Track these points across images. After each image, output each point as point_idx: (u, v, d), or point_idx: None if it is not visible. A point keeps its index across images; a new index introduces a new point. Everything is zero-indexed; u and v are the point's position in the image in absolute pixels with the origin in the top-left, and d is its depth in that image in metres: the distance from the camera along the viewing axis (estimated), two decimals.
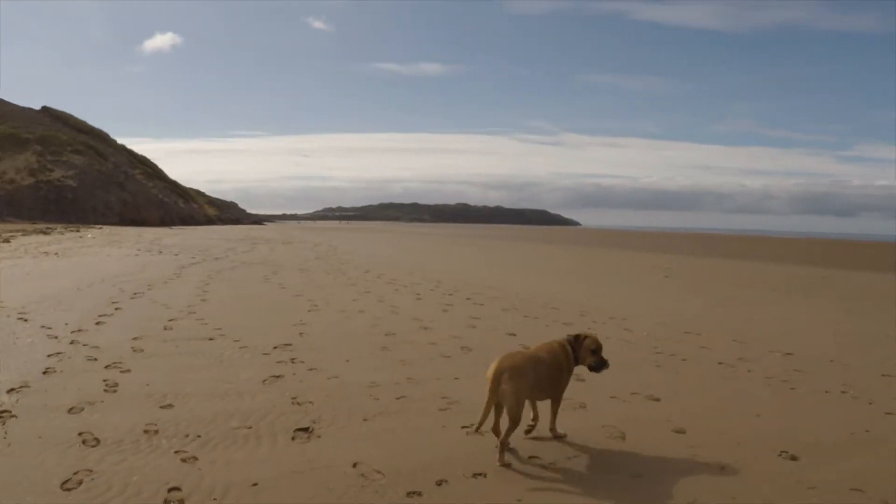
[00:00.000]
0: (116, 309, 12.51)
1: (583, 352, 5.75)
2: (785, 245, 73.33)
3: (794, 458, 5.73)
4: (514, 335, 11.11)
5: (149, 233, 53.21)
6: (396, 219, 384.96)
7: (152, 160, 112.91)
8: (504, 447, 5.22)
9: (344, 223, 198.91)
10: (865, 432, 6.51)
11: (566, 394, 6.02)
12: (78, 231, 51.08)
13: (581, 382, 7.67)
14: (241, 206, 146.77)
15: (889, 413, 7.17)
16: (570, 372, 5.79)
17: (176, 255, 27.59)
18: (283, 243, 41.88)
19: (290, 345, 9.74)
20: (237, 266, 22.94)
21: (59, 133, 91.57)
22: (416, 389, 7.57)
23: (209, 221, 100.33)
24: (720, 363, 9.57)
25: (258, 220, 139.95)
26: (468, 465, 5.29)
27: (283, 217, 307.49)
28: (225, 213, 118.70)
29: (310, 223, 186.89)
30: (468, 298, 15.65)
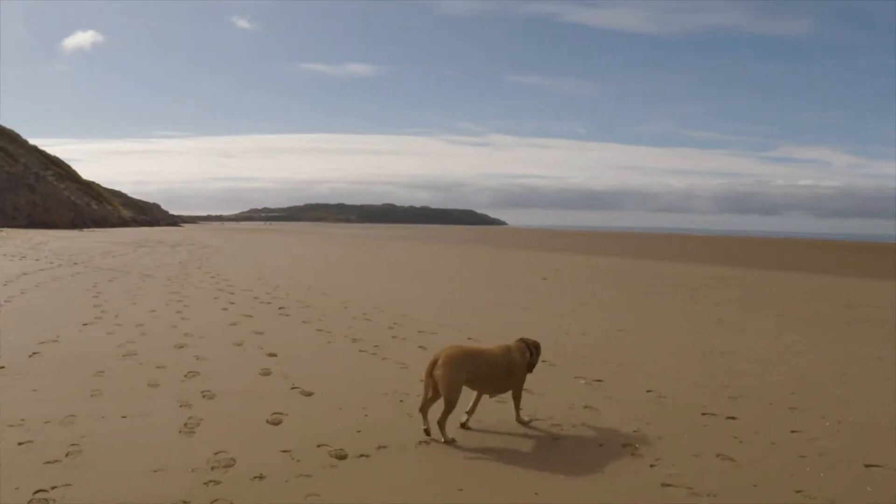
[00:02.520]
0: None
1: (536, 357, 6.56)
2: (701, 243, 74.08)
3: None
4: (275, 355, 9.51)
5: (43, 235, 49.69)
6: (323, 220, 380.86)
7: (75, 161, 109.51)
8: (442, 427, 5.87)
9: (267, 224, 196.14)
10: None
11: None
12: None
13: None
14: (166, 207, 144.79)
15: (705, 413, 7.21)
16: (523, 371, 6.44)
17: (36, 259, 25.53)
18: (172, 246, 40.41)
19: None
20: (80, 273, 20.86)
21: None
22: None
23: (124, 223, 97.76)
24: None
25: (175, 221, 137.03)
26: None
27: (208, 218, 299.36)
28: (141, 214, 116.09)
29: (232, 224, 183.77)
30: (281, 308, 14.19)
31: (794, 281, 25.26)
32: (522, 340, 6.55)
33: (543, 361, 8.14)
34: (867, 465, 5.73)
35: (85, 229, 74.52)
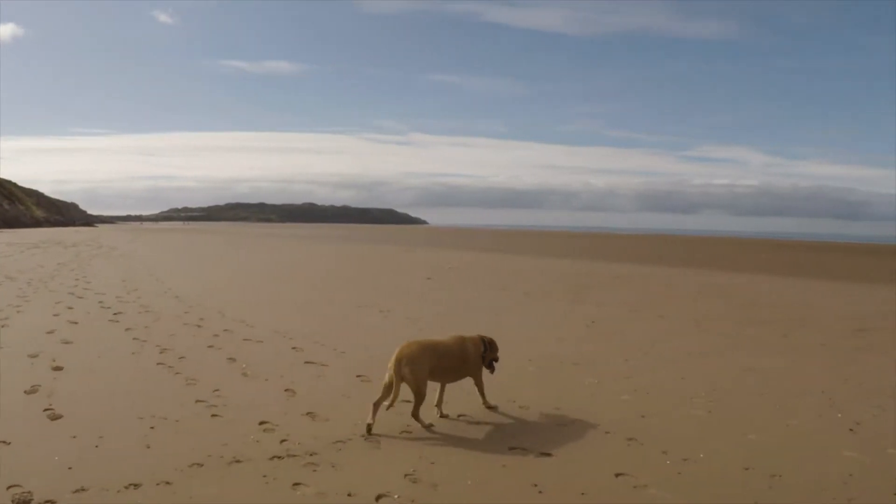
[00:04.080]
0: None
1: (491, 353, 6.88)
2: (615, 241, 74.52)
3: None
4: (61, 369, 8.51)
5: None
6: (245, 219, 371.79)
7: None
8: (417, 417, 6.26)
9: (186, 224, 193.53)
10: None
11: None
12: None
13: None
14: (86, 207, 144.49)
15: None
16: (478, 361, 6.77)
17: None
18: (67, 247, 39.04)
19: None
20: None
21: None
22: None
23: (37, 223, 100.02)
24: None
25: (91, 221, 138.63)
26: None
27: (129, 218, 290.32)
28: (57, 214, 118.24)
29: (150, 225, 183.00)
30: (116, 314, 13.15)
31: (694, 279, 24.35)
32: (480, 336, 6.89)
33: (359, 376, 8.04)
34: None
35: None
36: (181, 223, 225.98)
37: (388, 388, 6.21)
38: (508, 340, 8.98)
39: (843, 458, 5.69)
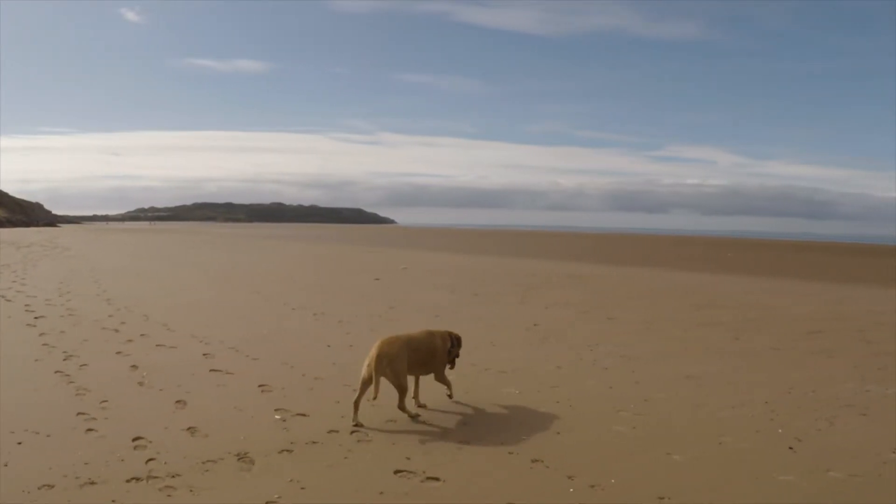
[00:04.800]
0: None
1: (457, 349, 6.92)
2: (580, 240, 73.78)
3: None
4: None
5: None
6: (212, 219, 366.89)
7: None
8: (403, 408, 6.40)
9: (152, 224, 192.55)
10: None
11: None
12: None
13: None
14: (51, 207, 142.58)
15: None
16: (444, 357, 6.83)
17: None
18: (19, 248, 38.57)
19: None
20: None
21: None
22: None
23: None
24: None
25: (53, 221, 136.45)
26: None
27: (94, 218, 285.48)
28: (20, 215, 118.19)
29: (116, 225, 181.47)
30: (34, 315, 12.59)
31: (654, 279, 23.70)
32: (447, 332, 7.00)
33: (261, 386, 7.60)
34: None
35: None
36: (147, 223, 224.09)
37: (366, 384, 6.25)
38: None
39: (778, 483, 4.93)
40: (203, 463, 5.22)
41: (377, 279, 21.14)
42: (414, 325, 11.44)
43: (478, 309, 14.45)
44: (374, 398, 6.19)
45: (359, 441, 5.81)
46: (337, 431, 6.05)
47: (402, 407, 6.39)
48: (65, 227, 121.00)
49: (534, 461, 5.27)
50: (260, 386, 7.57)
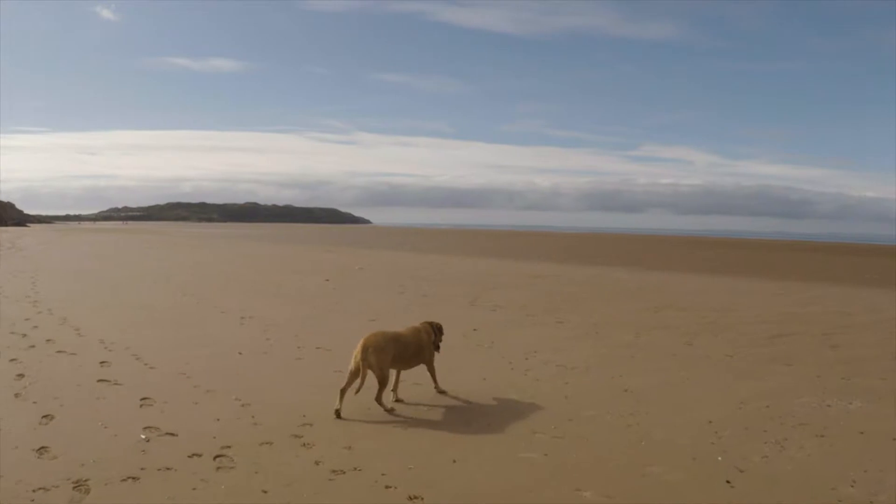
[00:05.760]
0: None
1: (440, 336, 7.24)
2: (554, 240, 72.82)
3: None
4: None
5: None
6: (185, 218, 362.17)
7: None
8: (380, 401, 6.43)
9: (125, 224, 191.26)
10: None
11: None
12: None
13: None
14: (23, 206, 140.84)
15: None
16: (431, 348, 7.13)
17: None
18: None
19: None
20: None
21: None
22: None
23: None
24: None
25: (23, 221, 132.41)
26: None
27: (67, 218, 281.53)
28: None
29: (88, 224, 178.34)
30: None
31: (616, 278, 22.82)
32: (428, 323, 7.28)
33: (144, 399, 6.87)
34: None
35: None
36: (121, 223, 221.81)
37: (354, 376, 6.42)
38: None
39: None
40: (34, 491, 4.55)
41: (327, 280, 20.11)
42: (344, 331, 10.55)
43: (422, 311, 13.42)
44: (358, 391, 6.32)
45: (218, 469, 4.90)
46: (199, 455, 5.18)
47: (379, 400, 6.42)
48: (34, 227, 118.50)
49: (412, 498, 4.29)
50: (142, 399, 6.80)
